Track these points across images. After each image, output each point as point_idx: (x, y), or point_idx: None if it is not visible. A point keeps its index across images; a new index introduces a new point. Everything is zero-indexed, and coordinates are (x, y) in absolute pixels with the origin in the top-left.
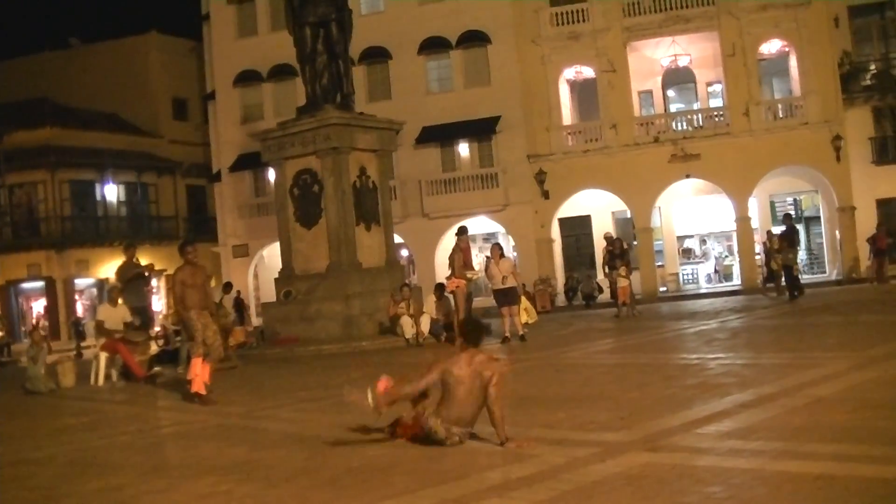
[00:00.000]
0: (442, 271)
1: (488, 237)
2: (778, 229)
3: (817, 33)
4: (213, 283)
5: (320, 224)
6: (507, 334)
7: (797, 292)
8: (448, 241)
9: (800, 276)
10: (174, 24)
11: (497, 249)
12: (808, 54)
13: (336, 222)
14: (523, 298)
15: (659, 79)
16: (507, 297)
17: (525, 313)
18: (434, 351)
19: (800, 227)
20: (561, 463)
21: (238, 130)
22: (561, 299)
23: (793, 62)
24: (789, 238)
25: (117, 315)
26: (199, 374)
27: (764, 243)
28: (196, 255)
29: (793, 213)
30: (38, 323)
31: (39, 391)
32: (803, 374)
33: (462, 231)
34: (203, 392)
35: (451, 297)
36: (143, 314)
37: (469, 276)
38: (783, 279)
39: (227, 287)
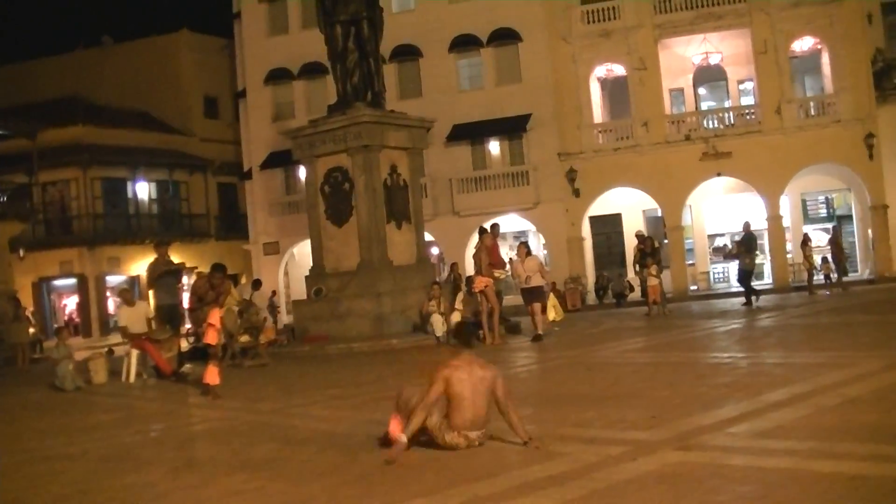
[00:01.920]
0: (472, 270)
1: (518, 235)
2: (809, 228)
3: (850, 30)
4: (243, 279)
5: (351, 222)
6: (540, 332)
7: (755, 298)
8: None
9: (831, 276)
10: (206, 22)
11: (523, 248)
12: (841, 51)
13: (367, 220)
14: (551, 296)
15: (690, 76)
16: (532, 295)
17: (553, 310)
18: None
19: (831, 226)
20: (592, 461)
21: (269, 128)
22: (591, 298)
23: (825, 59)
24: (747, 244)
25: (138, 314)
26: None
27: (725, 246)
28: (220, 282)
29: (823, 213)
30: (69, 320)
31: (65, 389)
32: (836, 374)
33: (485, 230)
34: (213, 383)
35: (479, 295)
36: (175, 311)
37: (496, 274)
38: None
39: (257, 284)
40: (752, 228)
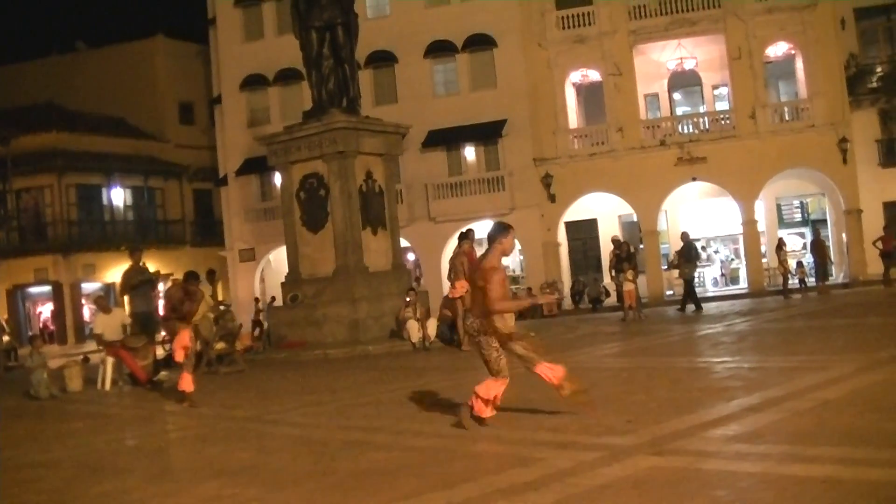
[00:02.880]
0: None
1: None
2: (784, 233)
3: (823, 35)
4: (219, 288)
5: (327, 228)
6: None
7: (696, 307)
8: (454, 245)
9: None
10: (181, 27)
11: None
12: (815, 57)
13: (342, 226)
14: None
15: (665, 82)
16: None
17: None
18: (443, 356)
19: (806, 231)
20: (567, 466)
21: (245, 134)
22: (567, 303)
23: (799, 65)
24: (687, 254)
25: (114, 322)
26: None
27: (670, 260)
28: (195, 289)
29: (801, 217)
30: (44, 328)
31: (40, 397)
32: (810, 377)
33: (464, 236)
34: (187, 391)
35: (458, 300)
36: (150, 319)
37: None
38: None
39: (211, 274)
40: (724, 234)
